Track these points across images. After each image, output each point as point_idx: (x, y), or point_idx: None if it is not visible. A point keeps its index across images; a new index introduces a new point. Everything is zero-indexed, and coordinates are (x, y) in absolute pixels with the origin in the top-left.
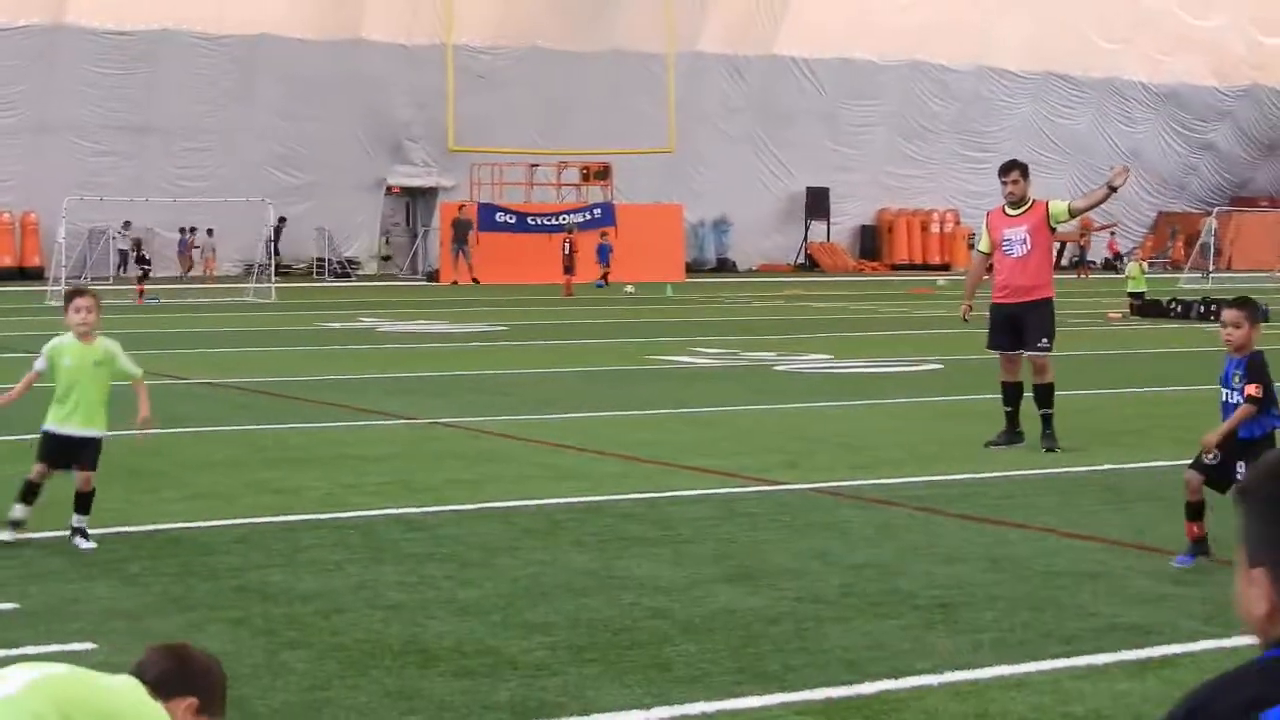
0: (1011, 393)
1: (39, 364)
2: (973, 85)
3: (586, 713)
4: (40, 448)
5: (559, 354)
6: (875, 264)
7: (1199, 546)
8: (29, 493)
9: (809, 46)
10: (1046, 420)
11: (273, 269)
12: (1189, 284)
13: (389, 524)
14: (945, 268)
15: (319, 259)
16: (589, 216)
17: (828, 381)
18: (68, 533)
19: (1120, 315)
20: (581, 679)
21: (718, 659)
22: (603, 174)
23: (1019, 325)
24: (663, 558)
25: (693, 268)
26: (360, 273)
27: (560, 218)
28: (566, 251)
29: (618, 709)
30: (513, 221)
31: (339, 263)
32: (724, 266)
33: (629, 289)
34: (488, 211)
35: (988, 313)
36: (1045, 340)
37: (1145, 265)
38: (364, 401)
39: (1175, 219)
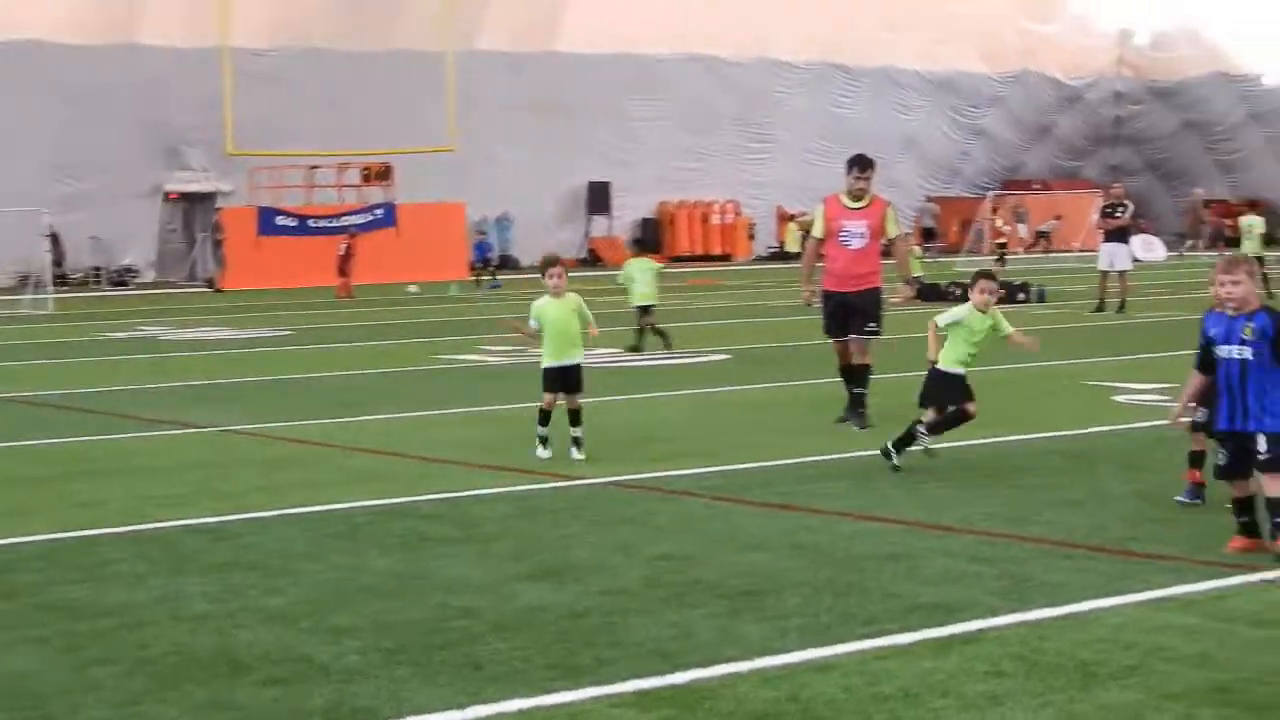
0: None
1: (533, 324)
2: (753, 77)
3: (401, 714)
4: (546, 382)
5: (347, 357)
6: (657, 255)
7: (1198, 490)
8: (545, 419)
9: (589, 42)
10: (860, 399)
11: (49, 279)
12: (962, 267)
13: (191, 534)
14: (726, 258)
15: (95, 268)
16: (371, 217)
17: (616, 374)
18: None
19: (903, 299)
20: (394, 682)
21: (529, 655)
22: (384, 174)
23: (850, 311)
24: (467, 557)
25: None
26: (138, 280)
27: (341, 219)
28: (342, 253)
29: (433, 710)
30: (294, 224)
31: (116, 270)
32: (506, 264)
33: (412, 289)
34: (268, 215)
35: (819, 301)
36: (874, 325)
37: (920, 250)
38: (155, 412)
39: (950, 204)
